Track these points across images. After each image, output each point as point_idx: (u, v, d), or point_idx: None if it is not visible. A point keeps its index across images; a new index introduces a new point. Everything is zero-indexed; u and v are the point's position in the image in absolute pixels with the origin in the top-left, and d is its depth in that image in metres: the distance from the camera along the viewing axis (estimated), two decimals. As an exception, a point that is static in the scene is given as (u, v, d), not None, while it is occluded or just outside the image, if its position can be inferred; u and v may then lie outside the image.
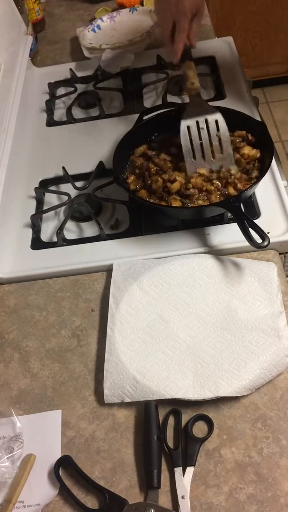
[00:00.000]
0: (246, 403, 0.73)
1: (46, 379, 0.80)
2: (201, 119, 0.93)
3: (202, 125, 0.93)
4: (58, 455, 0.71)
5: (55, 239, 0.97)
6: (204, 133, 0.93)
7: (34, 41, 1.41)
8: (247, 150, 0.96)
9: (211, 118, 0.93)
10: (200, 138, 0.94)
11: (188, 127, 0.93)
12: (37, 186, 1.08)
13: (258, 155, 0.95)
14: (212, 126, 0.93)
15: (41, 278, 0.93)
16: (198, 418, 0.72)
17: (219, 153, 0.94)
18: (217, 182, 0.92)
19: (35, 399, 0.78)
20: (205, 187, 0.91)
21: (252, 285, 0.82)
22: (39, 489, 0.69)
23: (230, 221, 0.92)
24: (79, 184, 1.05)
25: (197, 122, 0.93)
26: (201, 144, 0.94)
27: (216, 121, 0.93)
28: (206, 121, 0.93)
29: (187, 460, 0.68)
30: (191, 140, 0.93)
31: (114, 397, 0.74)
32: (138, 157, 1.01)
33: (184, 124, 0.93)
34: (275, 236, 0.88)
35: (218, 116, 0.93)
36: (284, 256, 0.91)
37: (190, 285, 0.84)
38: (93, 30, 1.41)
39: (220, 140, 0.93)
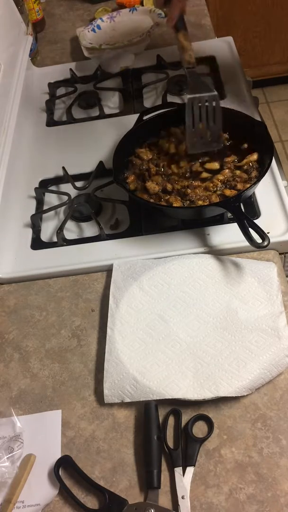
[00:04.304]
0: (246, 403, 0.73)
1: (46, 379, 0.80)
2: (202, 97, 0.92)
3: (203, 103, 0.93)
4: (58, 455, 0.71)
5: (55, 239, 0.97)
6: (203, 111, 0.93)
7: (34, 41, 1.41)
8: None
9: (210, 97, 0.92)
10: (200, 116, 0.93)
11: (192, 104, 0.92)
12: (37, 186, 1.08)
13: (256, 157, 0.95)
14: (210, 106, 0.93)
15: (41, 278, 0.93)
16: (198, 418, 0.72)
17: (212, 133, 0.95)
18: (216, 181, 0.92)
19: (35, 399, 0.78)
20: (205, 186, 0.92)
21: (252, 285, 0.82)
22: (39, 489, 0.69)
23: (230, 221, 0.92)
24: (79, 184, 1.05)
25: (199, 100, 0.92)
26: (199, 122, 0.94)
27: (213, 101, 0.93)
28: (205, 100, 0.92)
29: (187, 460, 0.68)
30: (193, 116, 0.93)
31: (114, 397, 0.74)
32: (138, 157, 1.01)
33: (189, 99, 0.92)
34: (275, 236, 0.88)
35: (216, 96, 0.92)
36: (284, 256, 0.92)
37: (190, 285, 0.84)
38: (93, 30, 1.41)
39: (214, 120, 0.94)
